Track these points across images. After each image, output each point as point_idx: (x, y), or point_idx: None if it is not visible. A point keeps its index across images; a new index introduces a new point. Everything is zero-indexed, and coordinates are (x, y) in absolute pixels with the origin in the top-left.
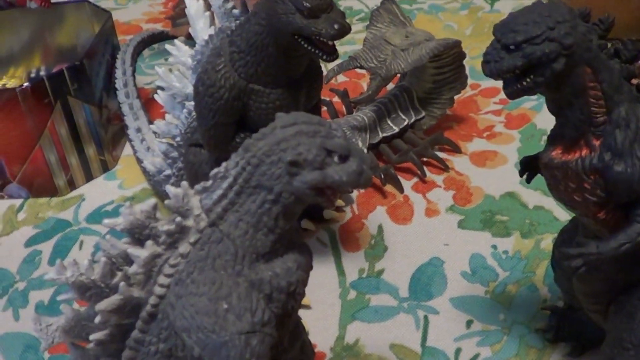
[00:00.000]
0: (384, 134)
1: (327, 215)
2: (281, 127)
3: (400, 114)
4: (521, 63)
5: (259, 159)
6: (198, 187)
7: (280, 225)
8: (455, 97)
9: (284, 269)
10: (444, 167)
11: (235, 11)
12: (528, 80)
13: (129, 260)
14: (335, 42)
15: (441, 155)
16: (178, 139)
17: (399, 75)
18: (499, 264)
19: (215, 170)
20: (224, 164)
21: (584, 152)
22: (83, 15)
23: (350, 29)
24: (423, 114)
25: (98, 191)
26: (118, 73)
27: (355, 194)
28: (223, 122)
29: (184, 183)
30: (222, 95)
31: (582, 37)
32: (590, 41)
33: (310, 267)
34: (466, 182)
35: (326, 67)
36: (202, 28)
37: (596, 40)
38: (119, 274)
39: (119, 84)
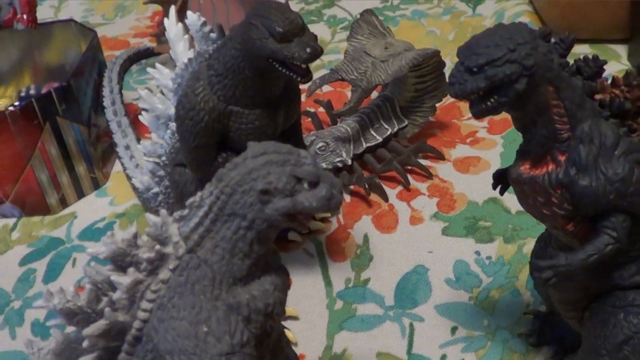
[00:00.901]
0: (368, 144)
1: (314, 227)
2: (252, 157)
3: (383, 123)
4: (484, 85)
5: (232, 188)
6: (176, 215)
7: (255, 250)
8: (438, 105)
9: (260, 291)
10: (427, 174)
11: (213, 35)
12: (492, 100)
13: (113, 285)
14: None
15: (425, 162)
16: (164, 158)
17: (381, 85)
18: (482, 269)
19: (191, 199)
20: (199, 193)
21: (550, 167)
22: (69, 34)
23: (322, 51)
24: (406, 122)
25: (90, 208)
26: (105, 91)
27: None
28: (204, 143)
29: (163, 211)
30: (202, 118)
31: (543, 57)
32: (551, 60)
33: (287, 287)
34: (450, 188)
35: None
36: (181, 51)
37: (557, 59)
38: (105, 299)
39: (106, 102)
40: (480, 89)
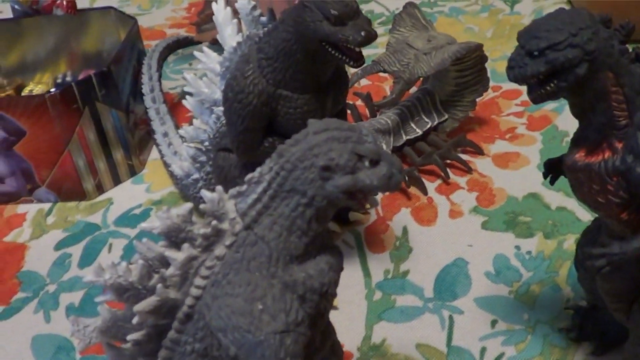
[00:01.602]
0: (408, 137)
1: (353, 218)
2: (314, 133)
3: (424, 116)
4: (544, 69)
5: (293, 164)
6: (233, 191)
7: (313, 228)
8: (477, 100)
9: (316, 271)
10: (467, 168)
11: (263, 18)
12: (551, 85)
13: (165, 262)
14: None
15: (464, 157)
16: (206, 143)
17: (421, 78)
18: (522, 264)
19: (249, 175)
20: (258, 169)
21: (607, 154)
22: (108, 22)
23: (376, 35)
24: (446, 116)
25: (126, 195)
26: (144, 78)
27: (380, 196)
28: (252, 127)
29: (219, 187)
30: (251, 101)
31: (604, 43)
32: (612, 46)
33: (341, 269)
34: (489, 183)
35: (349, 71)
36: (229, 35)
37: (617, 46)
38: (156, 276)
39: (145, 89)
40: (540, 73)
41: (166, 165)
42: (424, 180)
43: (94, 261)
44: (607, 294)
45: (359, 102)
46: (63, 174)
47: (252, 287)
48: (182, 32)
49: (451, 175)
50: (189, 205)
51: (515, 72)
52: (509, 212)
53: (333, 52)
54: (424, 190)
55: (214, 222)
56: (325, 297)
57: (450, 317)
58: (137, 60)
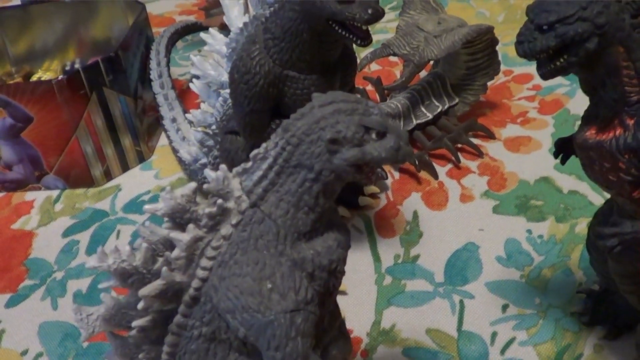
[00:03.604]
0: (418, 121)
1: (362, 202)
2: (319, 106)
3: (434, 100)
4: (554, 43)
5: (299, 138)
6: (238, 169)
7: (320, 203)
8: (489, 84)
9: (325, 247)
10: (478, 153)
11: None
12: (561, 60)
13: (169, 245)
14: (369, 27)
15: (475, 141)
16: (214, 127)
17: (432, 62)
18: (534, 248)
19: (255, 152)
20: (263, 145)
21: (618, 131)
22: (117, 8)
23: (384, 13)
24: (456, 100)
25: (134, 181)
26: (152, 64)
27: (390, 181)
28: (259, 108)
29: (223, 166)
30: (258, 82)
31: (615, 17)
32: (622, 20)
33: (349, 246)
34: (500, 167)
35: (359, 55)
36: (236, 16)
37: (629, 20)
38: (160, 259)
39: (153, 75)
40: (550, 48)
41: (174, 150)
42: (434, 164)
43: (103, 248)
44: (620, 275)
45: (369, 87)
46: (71, 160)
47: (260, 265)
48: (192, 19)
49: (462, 159)
50: (193, 184)
51: (524, 46)
52: (521, 196)
53: (340, 30)
54: (435, 175)
55: (220, 201)
56: (334, 274)
57: (461, 302)
58: (146, 46)
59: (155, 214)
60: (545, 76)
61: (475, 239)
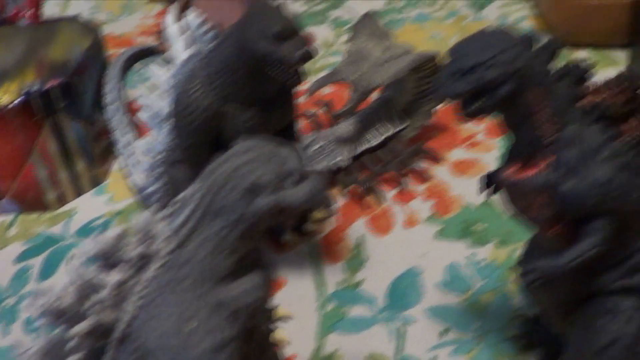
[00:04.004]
0: (367, 145)
1: (309, 228)
2: (238, 154)
3: (383, 125)
4: (471, 87)
5: (219, 185)
6: (163, 212)
7: (241, 246)
8: (437, 107)
9: (247, 287)
10: (424, 177)
11: (209, 35)
12: (480, 103)
13: (100, 285)
14: (303, 64)
15: (423, 165)
16: (162, 155)
17: (380, 87)
18: (475, 272)
19: (178, 197)
20: (186, 190)
21: (537, 169)
22: (74, 31)
23: (314, 54)
24: (405, 124)
25: (88, 206)
26: (107, 88)
27: (337, 206)
28: (200, 141)
29: (149, 209)
30: (197, 117)
31: (530, 62)
32: (537, 65)
33: (274, 284)
34: (446, 191)
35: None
36: (180, 50)
37: (543, 65)
38: (91, 298)
39: (108, 99)
40: (467, 92)
41: (127, 175)
42: (382, 188)
43: (55, 274)
44: (544, 306)
45: (322, 110)
46: (25, 185)
47: (184, 307)
48: (151, 41)
49: (409, 183)
50: (120, 228)
51: (443, 90)
52: (464, 220)
53: (272, 69)
54: (382, 199)
55: (144, 244)
56: (257, 313)
57: (402, 327)
58: (101, 70)
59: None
60: (466, 117)
61: (418, 263)
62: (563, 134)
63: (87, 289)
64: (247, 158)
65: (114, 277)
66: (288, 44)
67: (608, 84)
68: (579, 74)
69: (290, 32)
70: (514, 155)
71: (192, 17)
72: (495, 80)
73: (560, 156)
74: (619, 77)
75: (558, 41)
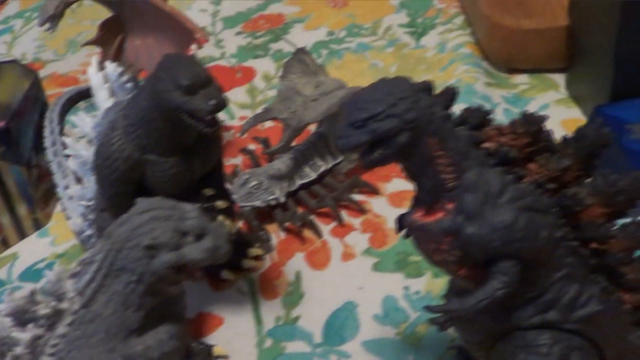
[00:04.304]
0: (302, 181)
1: (246, 265)
2: (138, 214)
3: (318, 160)
4: (367, 138)
5: (120, 244)
6: (71, 271)
7: (147, 302)
8: None
9: (156, 341)
10: (360, 210)
11: (129, 85)
12: (378, 153)
13: (14, 342)
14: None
15: (360, 197)
16: (92, 202)
17: (311, 124)
18: (410, 304)
19: (83, 256)
20: (90, 250)
21: (440, 215)
22: (14, 74)
23: (226, 104)
24: (340, 158)
25: (31, 249)
26: (46, 132)
27: (275, 241)
28: (122, 191)
29: (57, 269)
30: (118, 167)
31: (425, 111)
32: (433, 113)
33: (185, 336)
34: (383, 223)
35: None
36: (103, 99)
37: (440, 112)
38: (9, 354)
39: (47, 142)
40: (363, 143)
41: (67, 218)
42: (319, 223)
43: None
44: (466, 342)
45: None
46: None
47: None
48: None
49: (346, 216)
50: (30, 287)
51: (341, 142)
52: (400, 252)
53: (187, 119)
54: (319, 234)
55: (54, 303)
56: None
57: None
58: (40, 113)
59: None
60: (365, 167)
61: (355, 297)
62: (464, 179)
63: (3, 346)
64: (146, 217)
65: (27, 334)
66: (200, 95)
67: (507, 128)
68: (479, 118)
69: (203, 82)
70: (419, 200)
71: (111, 67)
72: (391, 130)
73: (462, 201)
74: (517, 121)
75: (455, 88)
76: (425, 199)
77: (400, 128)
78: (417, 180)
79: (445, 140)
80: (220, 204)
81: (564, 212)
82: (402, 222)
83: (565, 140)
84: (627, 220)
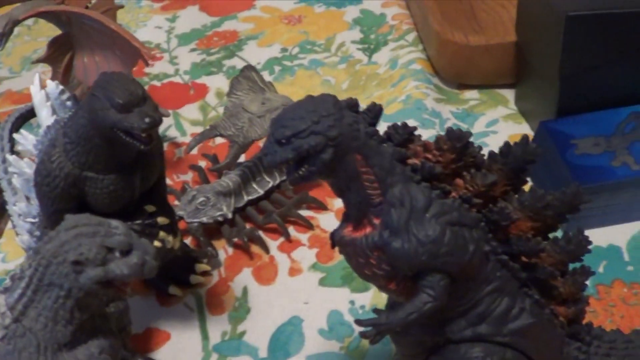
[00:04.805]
0: (250, 197)
1: (194, 280)
2: (65, 230)
3: (265, 176)
4: (291, 156)
5: (48, 260)
6: (1, 287)
7: (76, 316)
8: None
9: (86, 356)
10: (308, 225)
11: (69, 103)
12: (303, 169)
13: None
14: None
15: (308, 213)
16: (37, 219)
17: (257, 140)
18: (355, 319)
19: (13, 272)
20: (20, 266)
21: (368, 230)
22: None
23: (161, 121)
24: None
25: None
26: None
27: (223, 256)
28: (62, 208)
29: None
30: (58, 184)
31: (348, 128)
32: (357, 130)
33: (116, 350)
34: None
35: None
36: (45, 117)
37: (364, 128)
38: None
39: None
40: (288, 160)
41: (17, 235)
42: (267, 238)
43: None
44: (401, 355)
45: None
46: None
47: None
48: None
49: (294, 232)
50: None
51: (267, 158)
52: (347, 267)
53: (124, 137)
54: (266, 249)
55: None
56: None
57: None
58: None
59: None
60: (291, 183)
61: (300, 312)
62: (390, 194)
63: None
64: (73, 233)
65: None
66: (135, 112)
67: (432, 144)
68: (404, 134)
69: (137, 100)
70: (347, 216)
71: (52, 85)
72: (315, 147)
73: (388, 216)
74: (442, 138)
75: (380, 105)
76: (353, 215)
77: (324, 145)
78: (344, 196)
79: (370, 157)
80: (162, 220)
81: (492, 227)
82: (333, 237)
83: (491, 155)
84: (558, 234)
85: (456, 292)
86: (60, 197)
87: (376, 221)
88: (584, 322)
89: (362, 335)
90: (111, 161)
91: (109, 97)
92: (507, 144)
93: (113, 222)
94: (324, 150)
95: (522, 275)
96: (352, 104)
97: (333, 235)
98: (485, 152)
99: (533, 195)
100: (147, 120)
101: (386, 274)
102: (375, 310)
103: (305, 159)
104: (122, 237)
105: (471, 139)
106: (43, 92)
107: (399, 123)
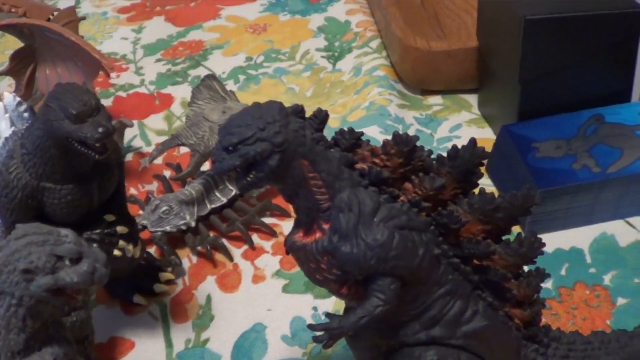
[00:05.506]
0: (213, 206)
1: (158, 289)
2: (14, 239)
3: (228, 184)
4: (239, 162)
5: None
6: None
7: (29, 324)
8: None
9: None
10: (271, 232)
11: (26, 115)
12: (251, 176)
13: None
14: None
15: (272, 220)
16: (2, 229)
17: None
18: (308, 324)
19: None
20: None
21: (318, 235)
22: None
23: (114, 131)
24: None
25: None
26: None
27: (187, 265)
28: (20, 219)
29: None
30: (16, 195)
31: (294, 134)
32: (303, 136)
33: (71, 358)
34: None
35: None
36: (3, 129)
37: (311, 134)
38: None
39: None
40: (236, 167)
41: None
42: (231, 246)
43: None
44: (357, 359)
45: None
46: None
47: None
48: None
49: (257, 239)
50: None
51: (216, 165)
52: None
53: (78, 147)
54: (230, 257)
55: None
56: None
57: None
58: None
59: None
60: (240, 189)
61: (263, 319)
62: (338, 199)
63: None
64: (22, 242)
65: None
66: (89, 123)
67: (380, 149)
68: (352, 139)
69: (91, 111)
70: (298, 221)
71: (9, 98)
72: (261, 154)
73: (336, 221)
74: (388, 142)
75: (325, 111)
76: (303, 220)
77: (270, 151)
78: (294, 202)
79: (316, 162)
80: (121, 229)
81: (442, 230)
82: (286, 243)
83: (439, 159)
84: (511, 236)
85: (408, 296)
86: (19, 208)
87: (325, 226)
88: (542, 324)
89: (315, 339)
90: (68, 171)
91: (62, 108)
92: (454, 147)
93: (63, 231)
94: (271, 157)
95: (474, 278)
96: (298, 110)
97: (286, 241)
98: None
99: (482, 197)
100: (100, 130)
101: (337, 278)
102: (328, 315)
103: (253, 166)
104: (72, 245)
105: (434, 144)
106: (1, 105)
107: (346, 128)
